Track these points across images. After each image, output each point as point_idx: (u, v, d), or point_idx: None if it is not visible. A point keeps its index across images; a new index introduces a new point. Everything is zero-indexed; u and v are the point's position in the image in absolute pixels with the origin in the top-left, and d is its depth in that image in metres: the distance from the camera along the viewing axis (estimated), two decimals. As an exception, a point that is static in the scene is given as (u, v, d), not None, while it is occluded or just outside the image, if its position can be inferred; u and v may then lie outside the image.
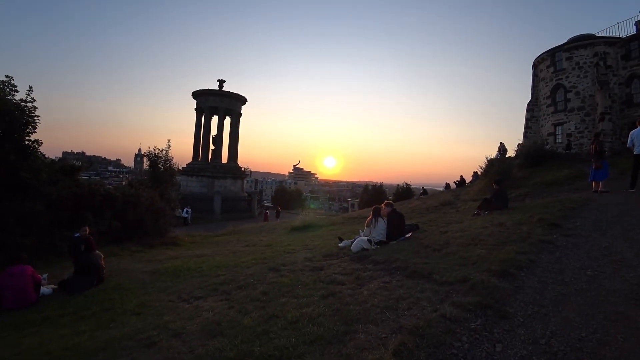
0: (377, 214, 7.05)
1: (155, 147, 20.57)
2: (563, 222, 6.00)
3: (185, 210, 29.18)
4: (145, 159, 21.05)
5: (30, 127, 10.64)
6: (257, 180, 74.59)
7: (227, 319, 3.82)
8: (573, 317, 2.67)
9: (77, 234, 9.13)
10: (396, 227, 7.00)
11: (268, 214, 33.17)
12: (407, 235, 6.99)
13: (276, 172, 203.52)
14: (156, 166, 20.35)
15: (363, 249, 6.23)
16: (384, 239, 6.75)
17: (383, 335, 2.62)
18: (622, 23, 22.55)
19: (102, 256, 7.60)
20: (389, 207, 7.36)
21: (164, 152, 20.80)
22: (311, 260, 6.24)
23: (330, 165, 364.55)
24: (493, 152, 22.25)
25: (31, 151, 10.70)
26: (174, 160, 21.31)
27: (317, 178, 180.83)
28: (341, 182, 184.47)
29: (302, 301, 3.91)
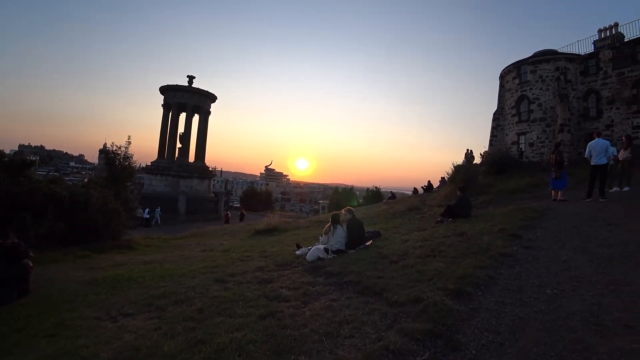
0: (335, 221, 6.67)
1: (113, 143, 19.33)
2: (524, 233, 5.86)
3: (146, 210, 27.86)
4: (102, 156, 19.84)
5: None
6: (227, 180, 72.97)
7: (148, 344, 3.30)
8: (530, 348, 2.35)
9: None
10: (356, 235, 6.64)
11: (229, 215, 32.23)
12: (368, 244, 6.65)
13: (248, 173, 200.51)
14: (113, 164, 19.14)
15: (319, 259, 5.82)
16: (343, 247, 6.37)
17: (314, 373, 2.20)
18: (582, 41, 23.71)
19: (31, 265, 6.73)
20: (349, 213, 6.99)
21: (123, 148, 19.64)
22: (263, 270, 5.77)
23: (302, 167, 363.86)
24: (462, 159, 22.67)
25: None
26: (136, 158, 20.17)
27: (288, 179, 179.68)
28: (313, 184, 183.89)
29: (238, 322, 3.44)
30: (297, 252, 6.65)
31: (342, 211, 7.18)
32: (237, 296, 4.38)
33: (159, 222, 28.53)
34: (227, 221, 29.19)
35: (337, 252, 6.19)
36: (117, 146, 19.27)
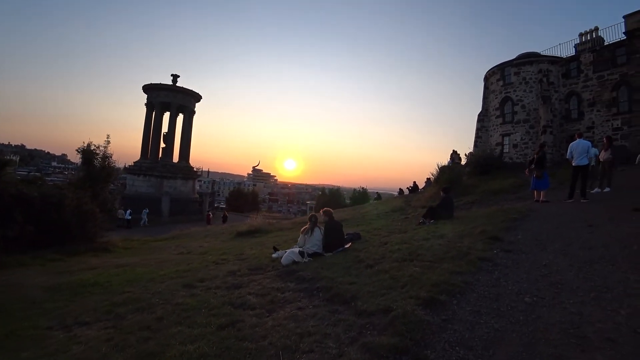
0: (314, 222, 6.41)
1: (91, 142, 18.75)
2: (505, 235, 5.70)
3: (128, 211, 27.17)
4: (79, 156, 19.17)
5: None
6: (214, 181, 71.92)
7: (96, 357, 3.06)
8: (505, 365, 2.14)
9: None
10: (334, 237, 6.39)
11: (211, 216, 31.74)
12: (347, 246, 6.42)
13: (235, 173, 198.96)
14: (91, 163, 18.56)
15: (294, 262, 5.56)
16: (320, 250, 6.12)
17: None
18: (563, 44, 24.03)
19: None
20: (327, 215, 6.74)
21: (102, 147, 19.08)
22: (234, 275, 5.49)
23: (290, 168, 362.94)
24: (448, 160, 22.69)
25: None
26: (120, 158, 19.74)
27: (276, 180, 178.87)
28: (301, 184, 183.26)
29: (195, 332, 3.19)
30: (274, 255, 6.38)
31: (320, 212, 6.93)
32: (202, 303, 4.12)
33: (147, 223, 27.91)
34: (208, 222, 28.72)
35: (314, 255, 5.94)
36: (95, 145, 18.74)
